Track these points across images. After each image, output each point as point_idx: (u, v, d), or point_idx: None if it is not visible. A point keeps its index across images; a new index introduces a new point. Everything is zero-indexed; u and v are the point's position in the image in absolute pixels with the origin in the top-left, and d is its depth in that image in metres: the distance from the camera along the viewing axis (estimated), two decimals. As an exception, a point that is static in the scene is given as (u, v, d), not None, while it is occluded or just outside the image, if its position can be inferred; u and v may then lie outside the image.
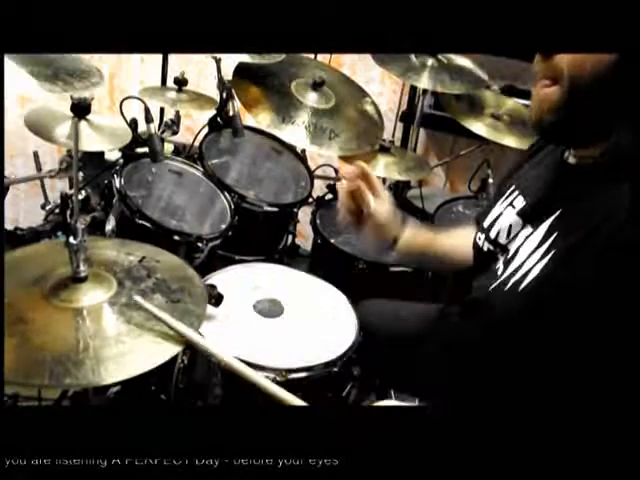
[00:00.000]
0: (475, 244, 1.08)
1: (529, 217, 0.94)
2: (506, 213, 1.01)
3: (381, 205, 1.16)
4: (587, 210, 0.82)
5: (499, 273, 0.94)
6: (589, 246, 0.79)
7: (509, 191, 1.04)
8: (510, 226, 0.98)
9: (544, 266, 0.84)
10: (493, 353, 0.92)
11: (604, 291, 0.76)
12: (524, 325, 0.85)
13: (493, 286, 0.93)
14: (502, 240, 0.99)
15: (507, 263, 0.93)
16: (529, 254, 0.88)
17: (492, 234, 1.02)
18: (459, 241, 1.23)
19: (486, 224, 1.05)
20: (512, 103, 2.27)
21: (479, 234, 1.07)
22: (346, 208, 1.18)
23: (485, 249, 1.04)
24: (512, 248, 0.95)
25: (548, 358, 0.83)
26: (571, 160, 0.92)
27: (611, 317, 0.76)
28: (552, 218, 0.87)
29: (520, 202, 0.99)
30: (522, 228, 0.95)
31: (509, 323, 0.88)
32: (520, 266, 0.89)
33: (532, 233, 0.90)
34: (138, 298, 0.95)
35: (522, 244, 0.92)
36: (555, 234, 0.85)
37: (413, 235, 1.22)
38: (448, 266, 1.28)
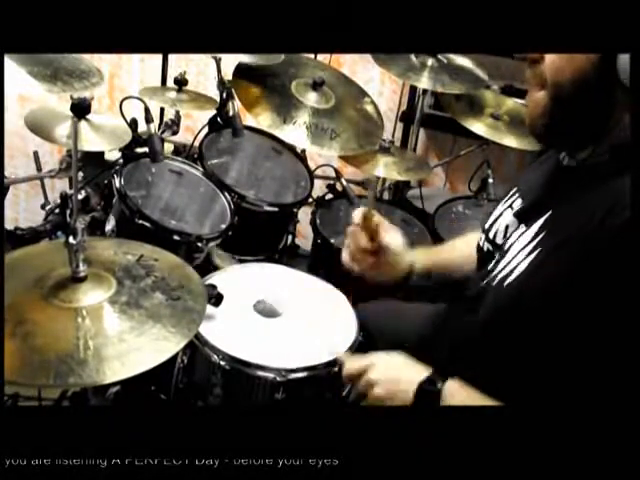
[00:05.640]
0: (478, 245, 1.10)
1: (523, 217, 0.96)
2: (505, 214, 1.03)
3: (393, 237, 1.17)
4: (575, 210, 0.84)
5: (489, 269, 0.96)
6: (573, 245, 0.80)
7: (510, 193, 1.06)
8: (507, 226, 1.01)
9: (529, 263, 0.86)
10: (485, 349, 0.93)
11: (586, 289, 0.78)
12: (510, 320, 0.87)
13: (484, 283, 0.95)
14: (499, 240, 1.02)
15: (498, 262, 0.95)
16: (518, 251, 0.90)
17: (491, 235, 1.05)
18: (463, 252, 1.24)
19: (487, 225, 1.07)
20: (512, 103, 2.27)
21: (481, 235, 1.09)
22: (355, 248, 1.18)
23: (485, 249, 1.06)
24: (505, 247, 0.96)
25: (535, 353, 0.84)
26: (565, 162, 0.94)
27: (591, 314, 0.77)
28: (543, 218, 0.89)
29: (518, 203, 1.01)
30: (516, 228, 0.97)
31: (496, 319, 0.90)
32: (509, 263, 0.91)
33: (524, 233, 0.92)
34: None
35: (514, 243, 0.94)
36: (543, 233, 0.87)
37: (426, 256, 1.23)
38: (459, 276, 1.29)
